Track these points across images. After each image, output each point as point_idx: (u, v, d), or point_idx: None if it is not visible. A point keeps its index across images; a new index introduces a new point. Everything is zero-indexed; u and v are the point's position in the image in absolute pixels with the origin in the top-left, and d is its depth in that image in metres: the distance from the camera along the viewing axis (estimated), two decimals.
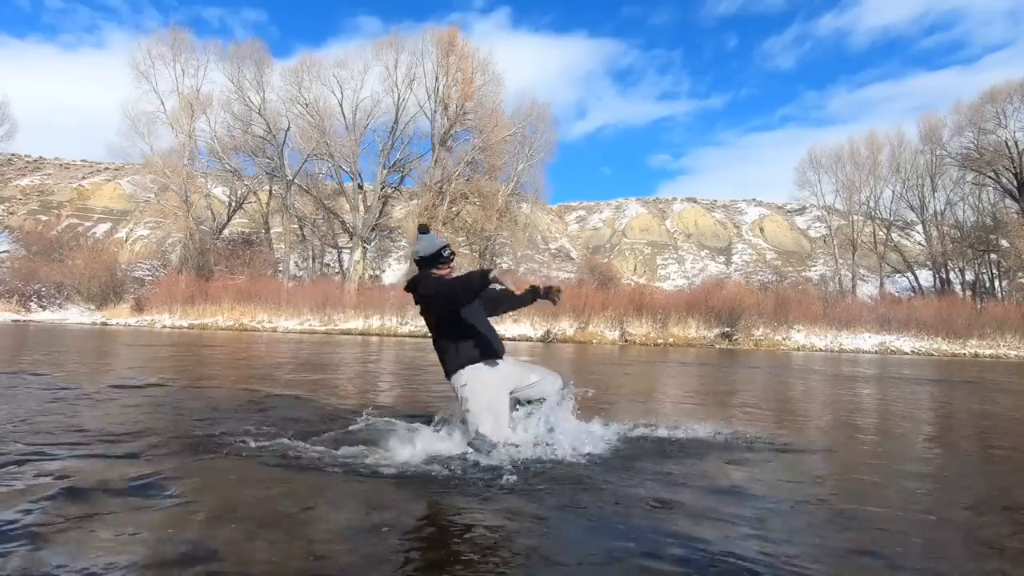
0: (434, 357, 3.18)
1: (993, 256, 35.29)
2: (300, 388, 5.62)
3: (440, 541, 1.86)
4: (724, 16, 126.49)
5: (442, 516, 2.09)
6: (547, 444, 2.88)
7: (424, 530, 1.94)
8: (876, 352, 22.35)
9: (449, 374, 3.04)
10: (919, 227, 39.48)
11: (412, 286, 3.09)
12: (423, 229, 3.19)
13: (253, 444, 2.90)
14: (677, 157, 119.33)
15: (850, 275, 38.82)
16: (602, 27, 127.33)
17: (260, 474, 2.45)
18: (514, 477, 2.43)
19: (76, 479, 2.30)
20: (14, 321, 28.08)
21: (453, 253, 3.11)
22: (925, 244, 38.92)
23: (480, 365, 2.98)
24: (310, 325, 25.09)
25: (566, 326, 23.69)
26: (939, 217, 37.55)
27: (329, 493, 2.25)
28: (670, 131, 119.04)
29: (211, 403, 4.44)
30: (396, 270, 40.79)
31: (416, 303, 3.09)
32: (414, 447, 2.84)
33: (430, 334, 3.12)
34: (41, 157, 56.25)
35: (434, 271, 3.05)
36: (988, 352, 22.46)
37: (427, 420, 3.65)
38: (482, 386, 2.94)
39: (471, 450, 2.80)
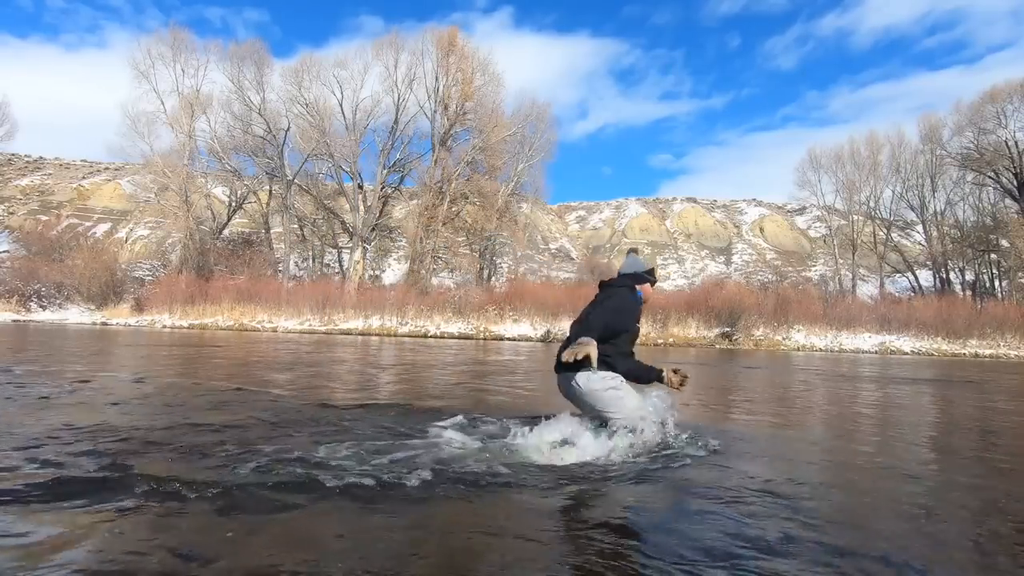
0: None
1: (993, 256, 35.30)
2: (299, 386, 5.62)
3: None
4: (727, 16, 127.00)
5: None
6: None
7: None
8: (876, 352, 22.36)
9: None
10: (919, 227, 39.48)
11: (614, 283, 3.34)
12: (636, 251, 3.53)
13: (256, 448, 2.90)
14: (678, 157, 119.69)
15: (850, 275, 38.82)
16: (604, 27, 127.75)
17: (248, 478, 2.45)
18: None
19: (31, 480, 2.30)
20: (14, 321, 28.09)
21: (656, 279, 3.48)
22: (925, 244, 38.92)
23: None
24: (310, 325, 25.10)
25: (566, 326, 23.67)
26: (939, 217, 37.55)
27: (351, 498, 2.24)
28: (671, 131, 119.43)
29: (232, 404, 4.43)
30: (396, 270, 40.81)
31: (602, 298, 3.27)
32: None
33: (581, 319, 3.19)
34: (41, 157, 56.30)
35: (647, 286, 3.39)
36: (988, 352, 22.47)
37: (436, 414, 3.64)
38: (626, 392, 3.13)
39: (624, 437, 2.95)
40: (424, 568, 1.62)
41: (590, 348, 2.84)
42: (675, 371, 3.37)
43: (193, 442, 2.95)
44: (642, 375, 3.33)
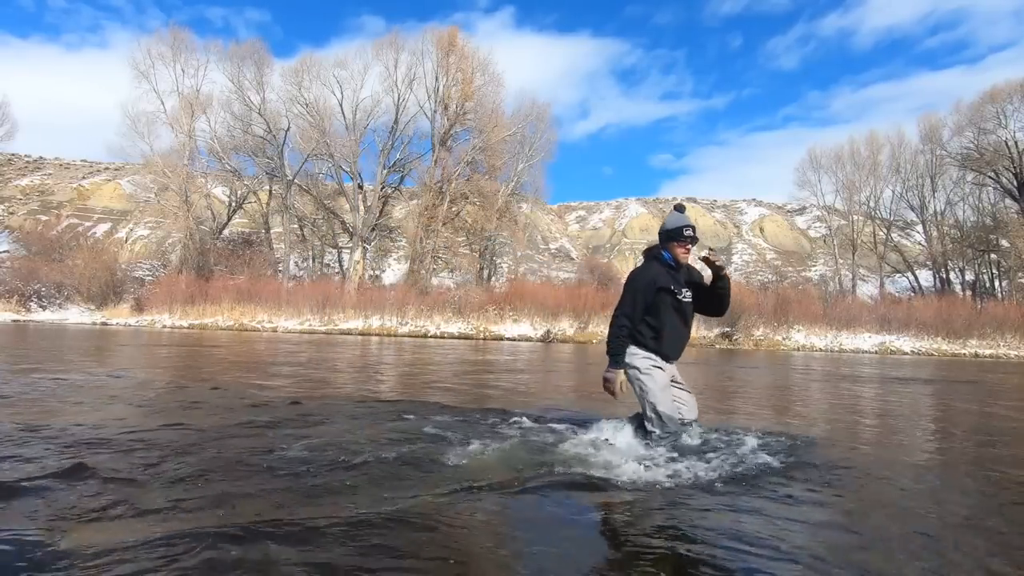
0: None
1: (993, 256, 35.28)
2: (301, 384, 5.62)
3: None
4: (728, 16, 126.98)
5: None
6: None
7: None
8: (876, 352, 22.34)
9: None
10: (919, 227, 39.46)
11: (648, 257, 3.21)
12: (680, 208, 3.26)
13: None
14: (679, 157, 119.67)
15: (850, 275, 38.81)
16: (605, 27, 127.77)
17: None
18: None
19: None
20: (14, 321, 28.07)
21: (695, 239, 3.17)
22: (925, 244, 38.90)
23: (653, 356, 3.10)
24: (310, 325, 25.09)
25: (566, 326, 23.71)
26: (939, 217, 37.54)
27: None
28: (672, 131, 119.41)
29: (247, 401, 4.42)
30: (396, 270, 40.80)
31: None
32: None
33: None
34: (41, 157, 56.29)
35: (674, 244, 3.14)
36: (988, 352, 22.45)
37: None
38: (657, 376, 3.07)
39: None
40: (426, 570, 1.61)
41: (613, 384, 2.96)
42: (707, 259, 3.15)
43: (177, 443, 2.94)
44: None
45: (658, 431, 2.99)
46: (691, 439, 2.97)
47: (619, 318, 3.02)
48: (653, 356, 3.08)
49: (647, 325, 3.09)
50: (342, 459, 2.64)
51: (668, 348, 3.13)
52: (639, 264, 3.24)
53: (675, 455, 2.79)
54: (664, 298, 3.08)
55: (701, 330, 23.22)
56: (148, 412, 3.92)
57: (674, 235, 3.12)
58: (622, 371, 2.99)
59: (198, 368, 7.82)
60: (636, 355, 3.07)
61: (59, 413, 3.76)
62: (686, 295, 3.15)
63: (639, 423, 3.11)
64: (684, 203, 3.42)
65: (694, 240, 3.14)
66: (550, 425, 3.50)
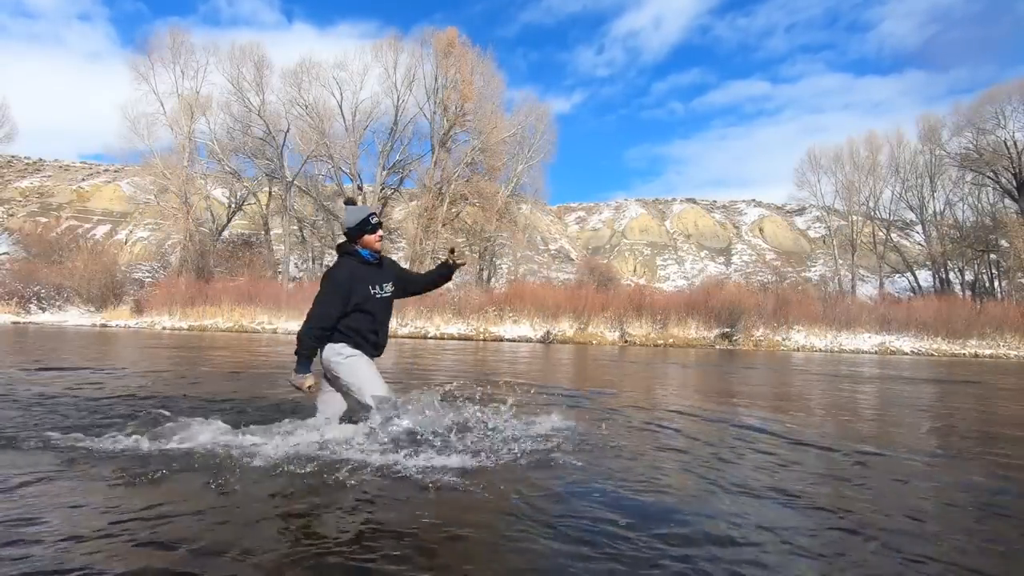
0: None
1: (992, 256, 35.32)
2: None
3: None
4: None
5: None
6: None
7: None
8: (876, 352, 22.35)
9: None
10: (919, 227, 39.51)
11: (342, 253, 3.19)
12: (350, 202, 3.35)
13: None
14: (680, 150, 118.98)
15: (850, 275, 38.84)
16: None
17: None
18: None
19: None
20: (13, 323, 28.07)
21: (381, 222, 3.23)
22: (925, 244, 38.94)
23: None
24: None
25: (566, 327, 23.70)
26: (938, 217, 37.59)
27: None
28: (675, 126, 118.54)
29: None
30: None
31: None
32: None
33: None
34: (41, 159, 56.31)
35: (366, 237, 3.18)
36: (988, 352, 22.49)
37: None
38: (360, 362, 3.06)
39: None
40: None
41: (302, 386, 2.92)
42: (451, 251, 3.46)
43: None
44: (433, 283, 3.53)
45: (379, 416, 2.91)
46: (404, 419, 2.95)
47: (315, 319, 2.99)
48: (355, 352, 3.07)
49: (347, 323, 3.07)
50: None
51: (371, 345, 3.13)
52: (334, 261, 3.21)
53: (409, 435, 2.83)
54: (365, 295, 3.09)
55: (701, 331, 23.23)
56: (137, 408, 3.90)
57: (363, 227, 3.16)
58: (311, 375, 2.97)
59: (206, 367, 7.79)
60: (333, 349, 3.04)
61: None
62: (386, 290, 3.18)
63: (348, 418, 3.09)
64: (355, 197, 3.48)
65: (380, 224, 3.23)
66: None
